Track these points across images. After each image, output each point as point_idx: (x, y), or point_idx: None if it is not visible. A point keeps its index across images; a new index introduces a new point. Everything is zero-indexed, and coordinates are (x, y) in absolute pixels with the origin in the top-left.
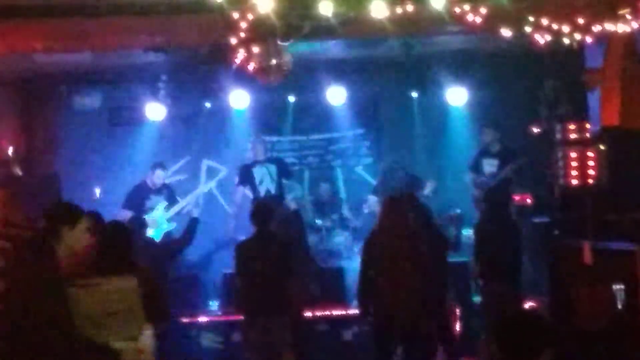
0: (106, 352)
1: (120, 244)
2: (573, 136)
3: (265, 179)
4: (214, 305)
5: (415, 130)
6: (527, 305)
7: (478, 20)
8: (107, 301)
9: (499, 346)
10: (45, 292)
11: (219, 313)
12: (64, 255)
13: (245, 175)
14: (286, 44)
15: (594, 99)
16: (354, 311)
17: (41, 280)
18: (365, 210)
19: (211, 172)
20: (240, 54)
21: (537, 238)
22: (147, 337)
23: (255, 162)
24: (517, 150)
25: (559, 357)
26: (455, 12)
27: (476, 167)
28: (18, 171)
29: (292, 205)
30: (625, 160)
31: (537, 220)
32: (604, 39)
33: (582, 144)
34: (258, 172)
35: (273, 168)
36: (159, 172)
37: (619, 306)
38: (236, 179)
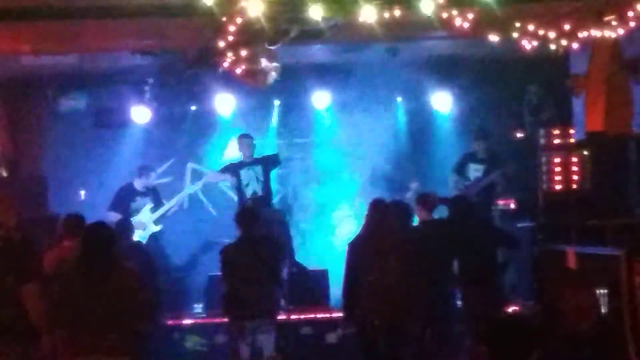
0: None
1: (103, 244)
2: (557, 141)
3: (252, 182)
4: (198, 307)
5: (400, 135)
6: (510, 309)
7: (466, 25)
8: None
9: (488, 349)
10: None
11: (204, 315)
12: None
13: (232, 171)
14: (275, 48)
15: (578, 105)
16: (338, 314)
17: None
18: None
19: (196, 175)
20: (229, 58)
21: (521, 243)
22: None
23: (242, 163)
24: (504, 156)
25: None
26: (443, 17)
27: (461, 170)
28: (3, 173)
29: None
30: (609, 166)
31: (520, 225)
32: (589, 44)
33: (565, 149)
34: (245, 175)
35: (259, 169)
36: (152, 174)
37: (603, 311)
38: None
